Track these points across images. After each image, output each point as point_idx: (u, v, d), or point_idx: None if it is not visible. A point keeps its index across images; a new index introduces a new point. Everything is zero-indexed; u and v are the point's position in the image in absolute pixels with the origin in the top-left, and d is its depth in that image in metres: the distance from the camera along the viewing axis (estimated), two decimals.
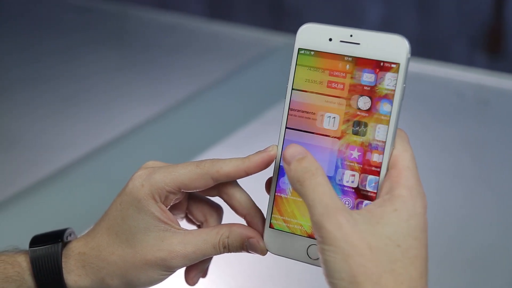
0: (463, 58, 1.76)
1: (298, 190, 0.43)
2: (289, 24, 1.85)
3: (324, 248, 0.41)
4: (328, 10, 1.84)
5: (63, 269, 0.50)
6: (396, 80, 0.45)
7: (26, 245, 0.52)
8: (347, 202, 0.47)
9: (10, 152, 1.04)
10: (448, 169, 0.92)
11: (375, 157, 0.46)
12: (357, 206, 0.46)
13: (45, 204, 0.89)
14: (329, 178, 0.47)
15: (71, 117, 1.15)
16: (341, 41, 0.47)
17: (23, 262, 0.51)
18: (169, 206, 0.51)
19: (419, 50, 1.24)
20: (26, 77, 1.31)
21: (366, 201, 0.46)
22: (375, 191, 0.46)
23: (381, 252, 0.41)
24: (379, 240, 0.41)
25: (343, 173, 0.47)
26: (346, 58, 0.47)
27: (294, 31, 0.49)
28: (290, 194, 0.48)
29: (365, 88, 0.46)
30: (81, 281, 0.50)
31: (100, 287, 0.50)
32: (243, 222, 0.51)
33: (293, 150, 0.45)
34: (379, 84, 0.46)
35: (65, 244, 0.52)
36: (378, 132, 0.46)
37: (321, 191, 0.42)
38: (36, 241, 0.52)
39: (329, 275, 0.41)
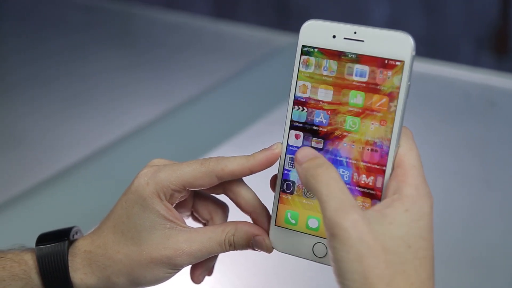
0: (469, 58, 1.75)
1: (312, 185, 0.42)
2: (294, 24, 1.85)
3: (336, 247, 0.40)
4: (333, 10, 1.84)
5: (70, 267, 0.50)
6: (401, 77, 0.45)
7: (32, 243, 0.52)
8: None
9: (16, 150, 1.05)
10: (453, 169, 0.91)
11: (380, 156, 0.46)
12: (361, 205, 0.46)
13: (51, 202, 0.89)
14: None
15: (77, 116, 1.16)
16: (345, 38, 0.47)
17: (30, 260, 0.51)
18: (174, 204, 0.51)
19: (425, 50, 1.23)
20: (31, 76, 1.32)
21: (371, 200, 0.46)
22: (381, 189, 0.46)
23: (393, 253, 0.40)
24: (392, 241, 0.41)
25: (348, 172, 0.47)
26: (350, 55, 0.47)
27: (299, 30, 0.49)
28: (295, 192, 0.48)
29: (369, 85, 0.46)
30: (87, 279, 0.50)
31: (106, 285, 0.50)
32: (249, 219, 0.51)
33: (305, 152, 0.45)
34: (384, 81, 0.46)
35: (71, 242, 0.52)
36: (383, 130, 0.46)
37: (336, 186, 0.42)
38: (43, 239, 0.52)
39: (340, 275, 0.40)
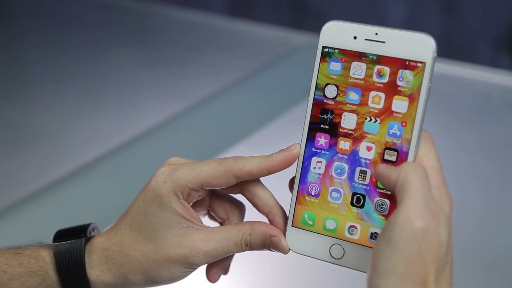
0: (487, 59, 1.74)
1: (406, 174, 0.41)
2: (311, 23, 1.85)
3: (393, 240, 0.39)
4: (350, 9, 1.83)
5: (86, 264, 0.50)
6: (422, 79, 0.45)
7: (49, 240, 0.52)
8: (371, 201, 0.46)
9: (34, 147, 1.06)
10: (471, 170, 0.91)
11: (399, 157, 0.45)
12: (380, 206, 0.46)
13: (69, 199, 0.89)
14: (352, 177, 0.47)
15: (94, 113, 1.16)
16: (366, 39, 0.47)
17: (47, 257, 0.51)
18: (191, 203, 0.51)
19: (442, 51, 1.23)
20: (49, 72, 1.33)
21: (390, 201, 0.46)
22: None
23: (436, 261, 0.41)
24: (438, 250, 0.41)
25: (367, 172, 0.46)
26: (371, 56, 0.46)
27: (316, 30, 0.49)
28: (313, 193, 0.48)
29: (390, 87, 0.46)
30: (103, 276, 0.50)
31: (123, 282, 0.50)
32: (265, 220, 0.51)
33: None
34: (404, 83, 0.45)
35: (88, 239, 0.52)
36: (403, 132, 0.45)
37: (428, 187, 0.41)
38: (60, 235, 0.52)
39: (379, 270, 0.40)
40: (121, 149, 1.01)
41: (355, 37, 0.47)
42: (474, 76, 1.16)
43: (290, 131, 0.96)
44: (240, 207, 0.54)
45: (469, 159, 0.94)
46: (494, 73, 1.16)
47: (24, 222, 0.84)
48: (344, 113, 0.47)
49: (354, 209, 0.47)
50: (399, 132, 0.46)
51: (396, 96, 0.46)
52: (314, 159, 0.48)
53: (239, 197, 0.53)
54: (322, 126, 0.48)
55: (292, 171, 0.49)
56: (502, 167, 0.92)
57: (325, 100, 0.48)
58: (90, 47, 1.44)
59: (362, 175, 0.47)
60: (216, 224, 0.54)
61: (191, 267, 0.50)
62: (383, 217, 0.46)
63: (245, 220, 0.54)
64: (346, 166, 0.47)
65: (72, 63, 1.36)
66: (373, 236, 0.46)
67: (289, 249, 0.49)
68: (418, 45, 0.45)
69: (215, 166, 0.49)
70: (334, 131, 0.47)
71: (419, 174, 0.41)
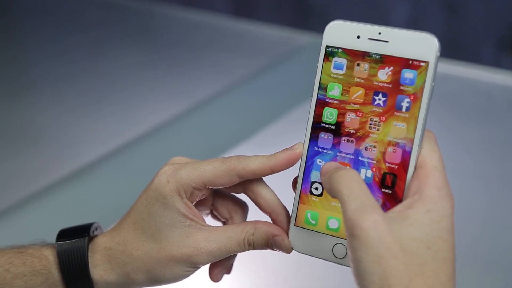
0: (490, 59, 1.74)
1: (334, 187, 0.42)
2: (314, 23, 1.85)
3: (355, 247, 0.40)
4: (353, 9, 1.83)
5: (89, 264, 0.50)
6: (425, 78, 0.45)
7: (53, 239, 0.52)
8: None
9: (36, 147, 1.06)
10: (473, 171, 0.91)
11: (402, 157, 0.45)
12: (383, 205, 0.46)
13: (71, 198, 0.89)
14: None
15: (95, 113, 1.16)
16: (369, 39, 0.47)
17: (50, 256, 0.51)
18: (194, 202, 0.51)
19: (445, 51, 1.23)
20: (49, 73, 1.33)
21: (391, 200, 0.46)
22: (402, 190, 0.45)
23: (413, 254, 0.40)
24: (411, 243, 0.40)
25: (369, 172, 0.46)
26: (374, 56, 0.46)
27: (319, 30, 0.49)
28: (316, 192, 0.48)
29: (393, 86, 0.46)
30: (106, 276, 0.50)
31: (126, 281, 0.50)
32: (268, 219, 0.51)
33: (330, 164, 0.45)
34: (407, 82, 0.45)
35: (91, 238, 0.52)
36: (405, 131, 0.45)
37: (357, 187, 0.42)
38: (63, 235, 0.52)
39: (359, 276, 0.40)
40: (123, 149, 1.01)
41: (358, 37, 0.47)
42: (477, 76, 1.16)
43: (293, 131, 0.96)
44: (243, 207, 0.54)
45: (471, 159, 0.94)
46: (497, 73, 1.16)
47: (26, 222, 0.85)
48: (347, 113, 0.47)
49: None
50: (402, 132, 0.46)
51: (399, 96, 0.46)
52: (317, 159, 0.48)
53: (242, 196, 0.53)
54: (325, 125, 0.48)
55: (295, 170, 0.49)
56: (504, 167, 0.92)
57: (328, 100, 0.48)
58: (91, 47, 1.44)
59: (365, 174, 0.47)
60: (219, 224, 0.54)
61: (194, 266, 0.50)
62: None
63: (248, 219, 0.54)
64: (349, 166, 0.47)
65: (72, 63, 1.37)
66: None
67: (292, 249, 0.49)
68: (421, 45, 0.45)
69: (218, 165, 0.49)
70: (337, 130, 0.47)
71: (349, 180, 0.42)
